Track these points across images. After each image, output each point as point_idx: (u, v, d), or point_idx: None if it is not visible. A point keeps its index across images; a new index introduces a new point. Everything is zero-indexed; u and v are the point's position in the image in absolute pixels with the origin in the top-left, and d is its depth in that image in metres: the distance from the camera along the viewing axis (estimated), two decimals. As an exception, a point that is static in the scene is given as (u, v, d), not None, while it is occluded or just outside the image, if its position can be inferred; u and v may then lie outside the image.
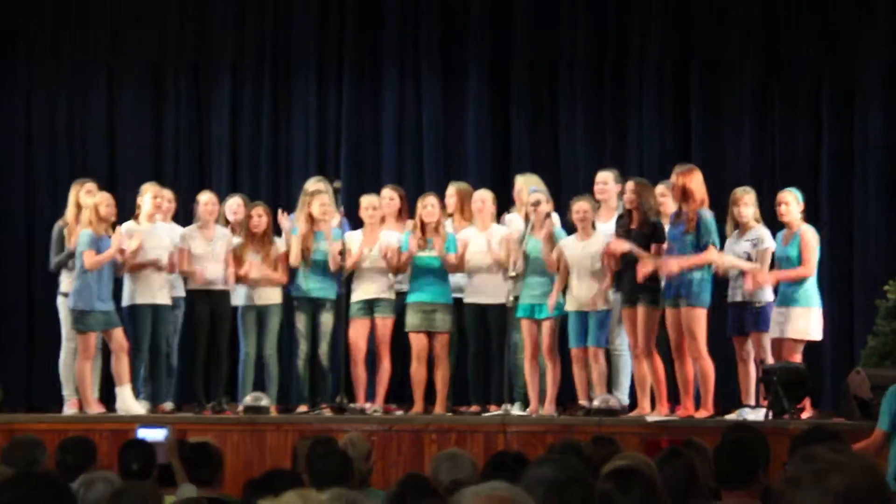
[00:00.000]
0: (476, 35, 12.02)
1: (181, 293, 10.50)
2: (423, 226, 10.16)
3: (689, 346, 9.28)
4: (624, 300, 9.64)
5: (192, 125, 12.20)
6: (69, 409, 10.17)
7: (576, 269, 9.72)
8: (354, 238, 10.41)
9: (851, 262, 11.25)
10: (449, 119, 12.07)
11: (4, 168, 12.13)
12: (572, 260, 9.72)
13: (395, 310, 10.34)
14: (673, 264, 9.24)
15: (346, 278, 10.41)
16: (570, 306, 9.76)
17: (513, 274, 9.77)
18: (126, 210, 10.36)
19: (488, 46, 12.01)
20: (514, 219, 10.30)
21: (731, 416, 9.33)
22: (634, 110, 11.80)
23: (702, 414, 9.34)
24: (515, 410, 9.87)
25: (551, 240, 9.81)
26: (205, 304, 10.33)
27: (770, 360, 9.34)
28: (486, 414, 9.95)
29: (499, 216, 10.50)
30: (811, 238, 9.44)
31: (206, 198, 10.52)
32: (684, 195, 9.29)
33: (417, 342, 10.19)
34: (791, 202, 9.47)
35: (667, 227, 9.57)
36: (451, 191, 10.61)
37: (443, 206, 10.40)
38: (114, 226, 10.03)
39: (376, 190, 10.74)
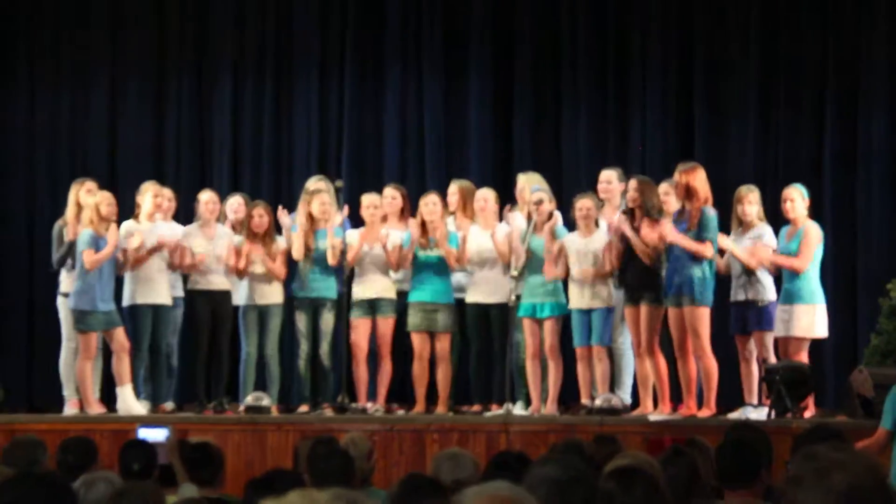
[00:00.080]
0: (478, 34, 12.00)
1: (180, 293, 10.49)
2: (424, 224, 10.15)
3: (693, 345, 9.27)
4: (627, 299, 9.64)
5: (193, 124, 12.20)
6: (70, 409, 10.16)
7: (578, 265, 9.71)
8: (355, 236, 10.40)
9: (855, 260, 11.23)
10: (451, 119, 12.05)
11: (5, 168, 12.13)
12: (574, 256, 9.72)
13: (397, 309, 10.33)
14: (670, 231, 9.23)
15: (346, 277, 10.40)
16: (573, 303, 9.75)
17: (514, 273, 9.76)
18: (126, 209, 10.35)
19: (490, 46, 12.00)
20: (516, 216, 10.28)
21: (734, 415, 9.32)
22: (637, 109, 11.78)
23: (704, 413, 9.33)
24: (517, 410, 9.86)
25: (553, 237, 9.79)
26: (206, 304, 10.33)
27: (772, 359, 9.33)
28: (488, 413, 9.94)
29: (500, 212, 10.48)
30: (813, 233, 9.44)
31: (206, 197, 10.52)
32: (688, 193, 9.29)
33: (419, 342, 10.18)
34: (797, 198, 9.48)
35: (669, 226, 9.58)
36: (454, 188, 10.60)
37: (445, 204, 10.39)
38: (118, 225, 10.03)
39: (378, 190, 10.72)
